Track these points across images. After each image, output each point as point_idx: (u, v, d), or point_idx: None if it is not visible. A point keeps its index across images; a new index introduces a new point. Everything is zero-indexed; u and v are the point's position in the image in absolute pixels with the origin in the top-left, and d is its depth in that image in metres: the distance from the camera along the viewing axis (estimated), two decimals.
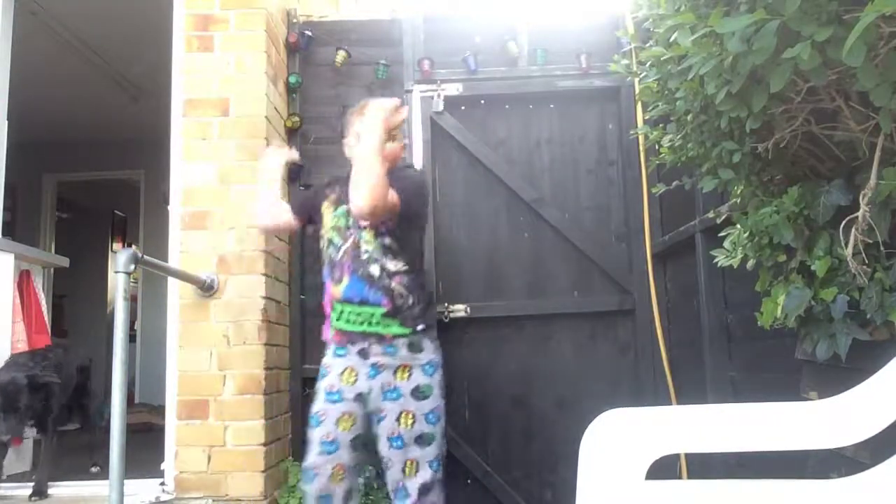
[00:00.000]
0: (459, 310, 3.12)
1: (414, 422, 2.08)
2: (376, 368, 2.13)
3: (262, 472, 2.66)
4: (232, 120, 2.86)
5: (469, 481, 3.08)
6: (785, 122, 1.43)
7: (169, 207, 2.91)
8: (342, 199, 2.23)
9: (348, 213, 2.20)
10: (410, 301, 2.15)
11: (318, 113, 3.33)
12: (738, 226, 1.74)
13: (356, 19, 3.51)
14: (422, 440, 2.09)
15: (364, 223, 2.16)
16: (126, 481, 2.00)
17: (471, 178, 3.28)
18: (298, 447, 3.09)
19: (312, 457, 2.09)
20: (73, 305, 6.56)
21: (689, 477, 2.72)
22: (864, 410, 1.23)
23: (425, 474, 2.07)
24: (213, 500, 2.63)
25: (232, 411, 2.69)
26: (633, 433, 1.27)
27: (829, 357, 1.43)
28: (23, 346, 3.04)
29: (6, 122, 3.12)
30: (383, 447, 2.11)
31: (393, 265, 2.14)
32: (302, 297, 3.19)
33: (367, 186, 1.98)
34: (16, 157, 3.28)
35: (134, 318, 6.04)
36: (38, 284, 3.33)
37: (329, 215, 2.29)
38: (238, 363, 2.72)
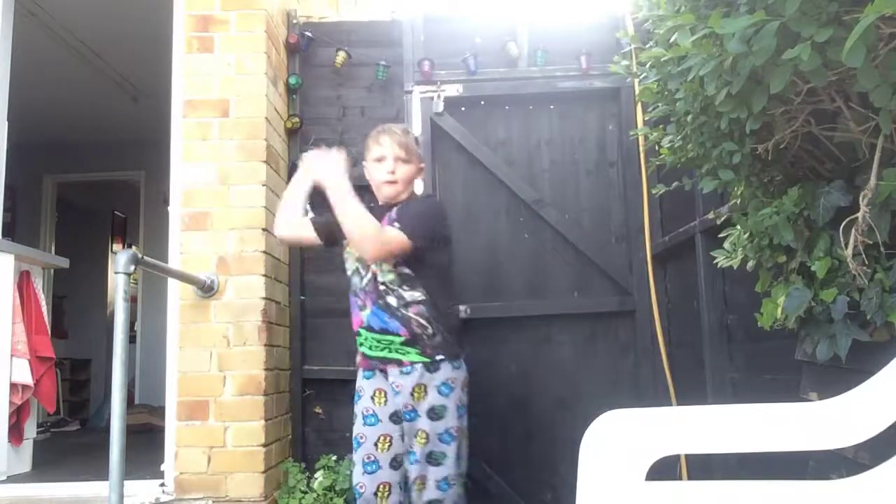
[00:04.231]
0: (460, 311, 3.12)
1: (427, 441, 2.13)
2: (395, 390, 2.18)
3: (262, 472, 2.66)
4: (232, 121, 2.86)
5: (468, 483, 3.07)
6: (785, 123, 1.43)
7: (169, 208, 2.91)
8: None
9: None
10: (430, 331, 2.16)
11: (318, 114, 3.33)
12: (738, 227, 1.75)
13: (356, 20, 3.52)
14: (432, 458, 2.14)
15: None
16: (126, 482, 2.00)
17: (471, 178, 3.28)
18: (298, 448, 3.11)
19: (357, 476, 2.20)
20: (73, 306, 6.58)
21: (690, 478, 2.72)
22: (864, 411, 1.23)
23: (430, 493, 2.13)
24: (213, 501, 2.63)
25: (232, 412, 2.69)
26: (634, 434, 1.26)
27: (829, 358, 1.43)
28: (22, 347, 3.04)
29: (6, 122, 3.12)
30: (405, 462, 2.19)
31: (409, 295, 2.17)
32: (302, 297, 3.20)
33: (361, 243, 2.09)
34: (16, 158, 3.28)
35: (134, 319, 6.04)
36: (38, 285, 3.32)
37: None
38: (238, 364, 2.72)
